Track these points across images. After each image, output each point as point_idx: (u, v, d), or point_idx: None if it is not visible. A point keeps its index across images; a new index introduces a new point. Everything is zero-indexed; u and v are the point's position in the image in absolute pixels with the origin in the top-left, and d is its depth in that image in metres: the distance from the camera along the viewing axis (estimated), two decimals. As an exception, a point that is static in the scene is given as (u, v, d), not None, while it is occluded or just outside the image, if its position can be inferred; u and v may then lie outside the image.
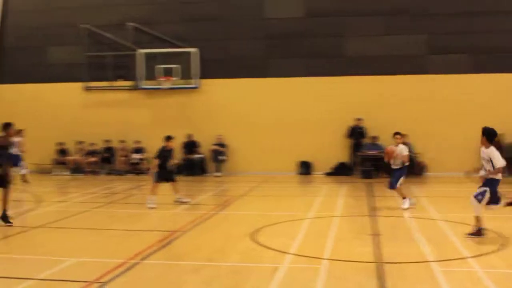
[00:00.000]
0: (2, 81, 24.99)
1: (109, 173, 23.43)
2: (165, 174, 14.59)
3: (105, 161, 23.67)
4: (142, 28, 23.87)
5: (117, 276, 7.90)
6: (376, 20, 22.78)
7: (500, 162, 9.84)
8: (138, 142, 23.29)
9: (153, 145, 23.08)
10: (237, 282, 7.63)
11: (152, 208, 13.98)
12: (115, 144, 23.73)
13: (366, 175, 21.15)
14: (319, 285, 7.39)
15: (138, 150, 23.24)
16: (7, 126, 12.15)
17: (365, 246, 9.62)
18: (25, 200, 15.85)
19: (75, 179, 22.43)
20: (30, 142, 23.92)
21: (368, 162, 21.51)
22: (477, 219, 10.07)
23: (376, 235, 10.40)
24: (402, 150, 13.48)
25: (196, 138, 23.20)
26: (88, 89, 24.25)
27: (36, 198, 16.20)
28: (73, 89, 24.29)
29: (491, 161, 9.88)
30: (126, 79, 24.15)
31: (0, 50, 25.04)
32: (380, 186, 17.53)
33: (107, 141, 23.60)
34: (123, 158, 23.58)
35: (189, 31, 23.67)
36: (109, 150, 23.69)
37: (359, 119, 22.16)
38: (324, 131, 22.55)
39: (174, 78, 23.16)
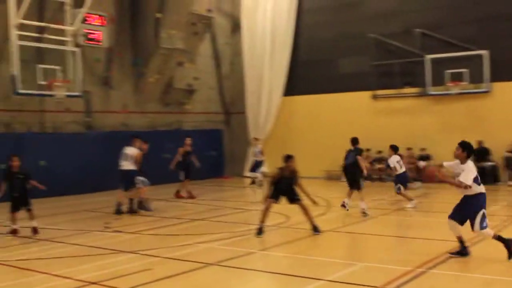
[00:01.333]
0: (295, 93, 26.73)
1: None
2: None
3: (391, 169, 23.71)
4: (429, 33, 23.50)
5: (404, 283, 7.90)
6: None
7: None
8: (423, 149, 22.94)
9: (440, 152, 22.63)
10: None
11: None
12: (402, 151, 23.62)
13: None
14: None
15: (424, 158, 22.83)
16: (289, 158, 12.18)
17: None
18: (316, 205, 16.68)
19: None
20: (320, 150, 25.33)
21: None
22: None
23: None
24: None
25: (487, 144, 22.00)
26: (376, 97, 24.67)
27: (326, 203, 16.96)
28: (361, 97, 24.93)
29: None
30: (413, 85, 23.99)
31: (294, 63, 26.79)
32: None
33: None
34: (410, 166, 23.39)
35: (479, 32, 22.57)
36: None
37: None
38: None
39: (463, 83, 22.34)
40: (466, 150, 9.44)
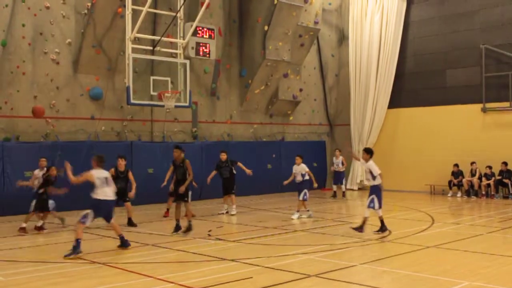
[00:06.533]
0: (400, 105, 26.29)
1: (505, 197, 22.47)
2: None
3: (501, 185, 22.73)
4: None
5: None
6: None
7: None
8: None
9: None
10: None
11: None
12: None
13: None
14: None
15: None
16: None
17: None
18: (419, 220, 16.34)
19: (469, 201, 22.12)
20: (425, 163, 24.76)
21: None
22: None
23: None
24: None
25: None
26: (486, 110, 23.76)
27: (429, 218, 16.55)
28: (470, 110, 24.12)
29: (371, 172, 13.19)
30: (527, 98, 22.96)
31: (401, 75, 26.36)
32: None
33: (504, 163, 22.62)
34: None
35: None
36: (507, 173, 22.66)
37: None
38: None
39: None
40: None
